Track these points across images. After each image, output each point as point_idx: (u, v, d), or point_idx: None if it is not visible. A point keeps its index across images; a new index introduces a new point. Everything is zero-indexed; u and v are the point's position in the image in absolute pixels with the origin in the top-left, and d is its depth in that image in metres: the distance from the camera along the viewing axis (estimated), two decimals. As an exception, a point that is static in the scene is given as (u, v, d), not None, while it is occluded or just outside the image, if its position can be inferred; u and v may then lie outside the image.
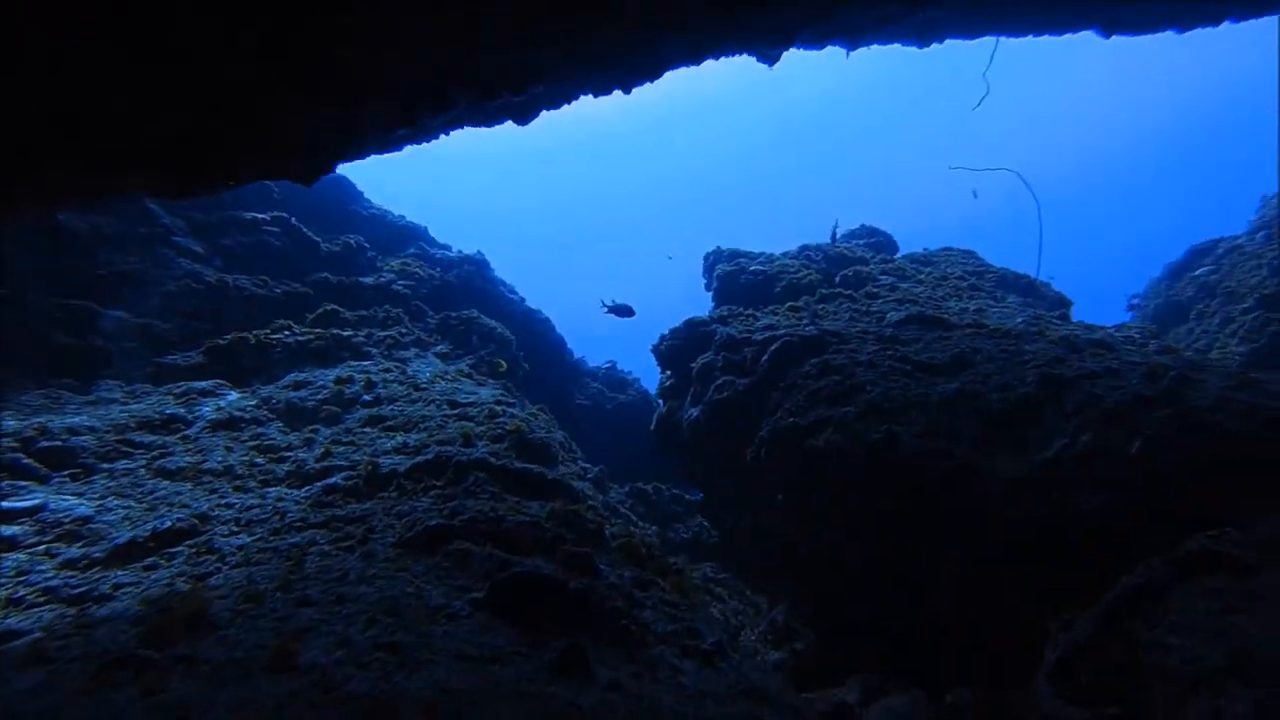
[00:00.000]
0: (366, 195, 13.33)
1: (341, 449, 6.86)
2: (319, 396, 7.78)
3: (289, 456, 6.59)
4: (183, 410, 6.73)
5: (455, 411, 7.96)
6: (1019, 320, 9.35)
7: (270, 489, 5.96)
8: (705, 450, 8.47)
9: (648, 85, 5.49)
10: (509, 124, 5.67)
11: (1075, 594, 4.60)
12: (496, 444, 7.22)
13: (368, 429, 7.43)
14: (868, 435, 6.46)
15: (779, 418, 7.29)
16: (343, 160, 5.21)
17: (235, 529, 5.03)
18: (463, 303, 11.96)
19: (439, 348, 10.54)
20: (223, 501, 5.45)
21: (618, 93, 5.65)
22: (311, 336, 9.18)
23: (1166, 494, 4.91)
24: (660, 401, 10.16)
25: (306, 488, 6.07)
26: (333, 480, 6.19)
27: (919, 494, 6.01)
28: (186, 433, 6.42)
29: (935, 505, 5.91)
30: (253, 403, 7.38)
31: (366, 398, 8.08)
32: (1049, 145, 64.06)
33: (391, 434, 7.32)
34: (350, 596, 3.66)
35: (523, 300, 13.92)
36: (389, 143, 5.46)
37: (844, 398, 7.07)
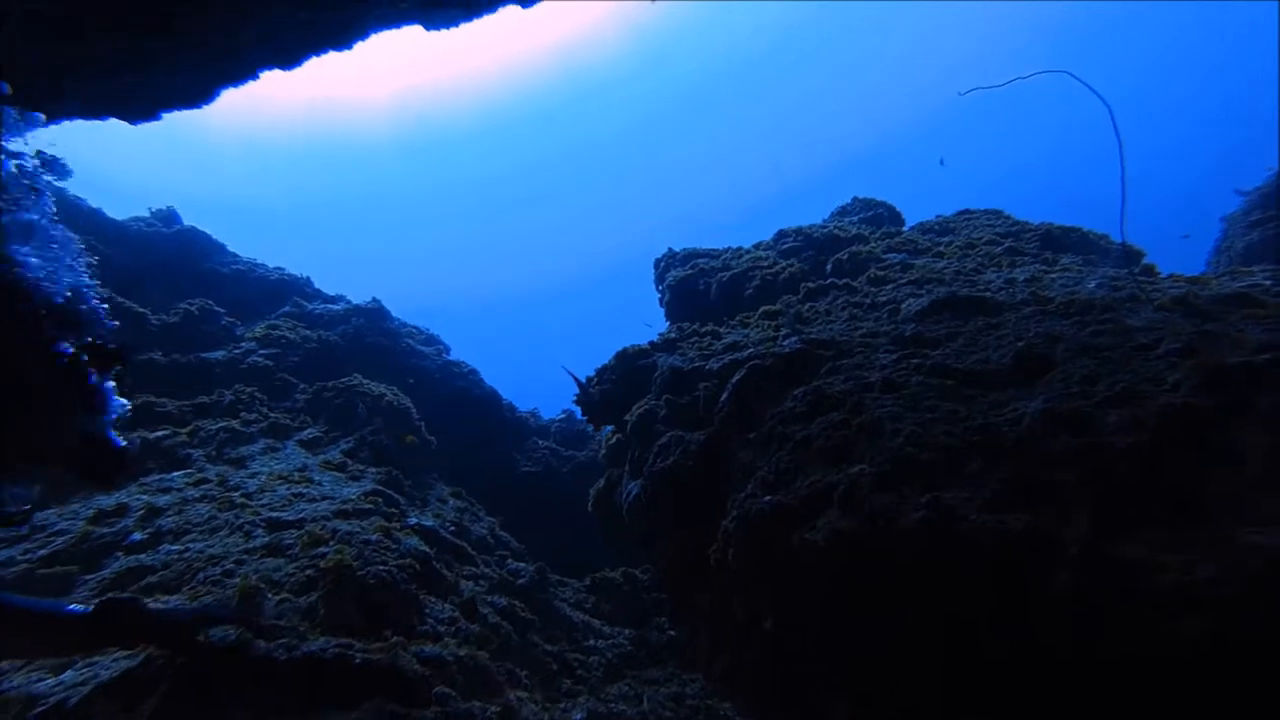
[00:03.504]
0: (230, 248, 10.75)
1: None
2: (43, 552, 5.07)
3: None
4: None
5: (268, 540, 5.21)
6: (1092, 285, 6.48)
7: None
8: (656, 542, 5.66)
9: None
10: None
11: None
12: (300, 597, 4.45)
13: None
14: (899, 515, 3.56)
15: (749, 493, 4.45)
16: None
17: None
18: (353, 366, 9.25)
19: (307, 433, 7.81)
20: None
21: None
22: (99, 447, 6.50)
23: None
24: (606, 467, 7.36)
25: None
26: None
27: (1005, 619, 3.13)
28: None
29: (1034, 639, 3.03)
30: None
31: (137, 536, 5.35)
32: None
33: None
34: None
35: (442, 352, 11.11)
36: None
37: (851, 448, 4.15)
